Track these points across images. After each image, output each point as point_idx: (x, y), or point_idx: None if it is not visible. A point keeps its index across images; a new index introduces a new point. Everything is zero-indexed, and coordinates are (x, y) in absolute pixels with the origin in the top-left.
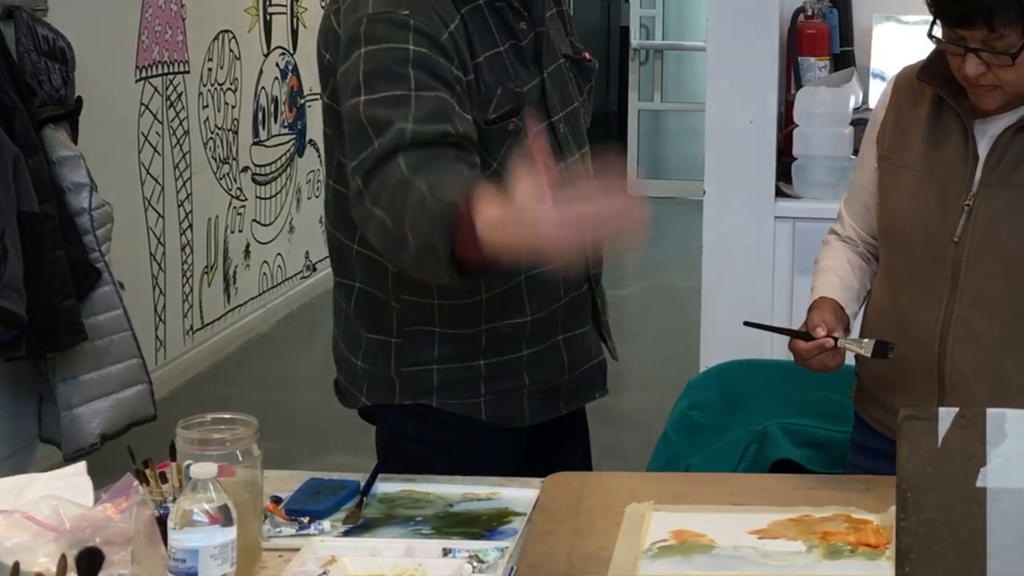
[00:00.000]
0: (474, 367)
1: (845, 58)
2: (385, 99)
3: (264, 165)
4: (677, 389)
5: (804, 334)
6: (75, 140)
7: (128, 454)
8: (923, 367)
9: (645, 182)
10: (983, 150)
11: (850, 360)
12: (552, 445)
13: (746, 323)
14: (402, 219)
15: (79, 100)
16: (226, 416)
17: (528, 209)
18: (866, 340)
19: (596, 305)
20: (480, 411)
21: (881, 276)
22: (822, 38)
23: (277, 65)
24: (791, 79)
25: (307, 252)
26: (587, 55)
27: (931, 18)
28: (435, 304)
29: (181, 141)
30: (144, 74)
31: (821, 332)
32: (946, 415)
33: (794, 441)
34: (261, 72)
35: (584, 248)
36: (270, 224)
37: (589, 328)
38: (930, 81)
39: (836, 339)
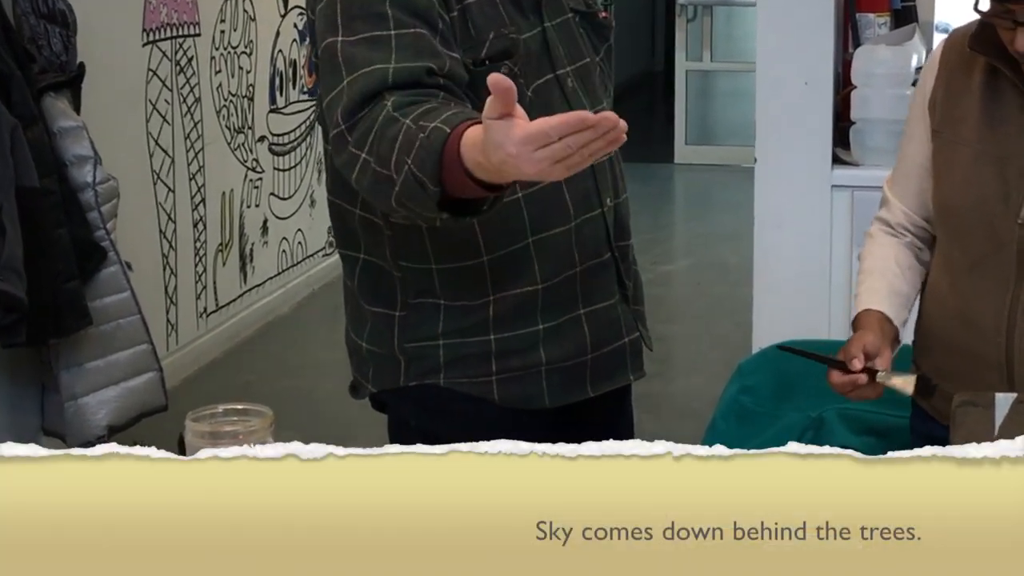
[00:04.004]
0: (484, 342)
1: (907, 14)
2: (364, 40)
3: (282, 134)
4: (727, 372)
5: (842, 363)
6: (77, 109)
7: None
8: (988, 360)
9: (693, 148)
10: None
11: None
12: (589, 434)
13: (780, 347)
14: (387, 156)
15: (81, 66)
16: (239, 407)
17: (491, 128)
18: (909, 376)
19: (621, 278)
20: (492, 391)
21: (939, 262)
22: None
23: (295, 26)
24: (848, 37)
25: (330, 228)
26: (603, 13)
27: None
28: (433, 269)
29: (192, 109)
30: (151, 37)
31: (857, 365)
32: (1003, 401)
33: (853, 428)
34: (278, 34)
35: (568, 163)
36: (289, 198)
37: (615, 302)
38: (982, 51)
39: (876, 372)
